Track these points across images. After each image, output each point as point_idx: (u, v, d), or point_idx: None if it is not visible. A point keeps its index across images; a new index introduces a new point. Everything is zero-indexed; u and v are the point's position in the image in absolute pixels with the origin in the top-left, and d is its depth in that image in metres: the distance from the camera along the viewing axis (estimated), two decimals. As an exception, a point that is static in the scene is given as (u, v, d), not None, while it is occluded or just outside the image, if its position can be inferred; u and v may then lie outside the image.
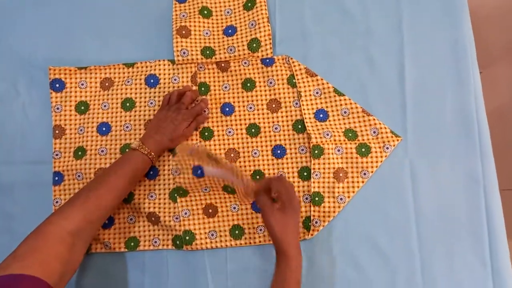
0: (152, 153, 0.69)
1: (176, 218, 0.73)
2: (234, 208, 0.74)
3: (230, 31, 0.80)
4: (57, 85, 0.79)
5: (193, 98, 0.76)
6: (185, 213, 0.73)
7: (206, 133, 0.77)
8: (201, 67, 0.78)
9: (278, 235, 0.62)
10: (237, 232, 0.73)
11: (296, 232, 0.64)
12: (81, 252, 0.60)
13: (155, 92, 0.78)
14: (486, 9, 1.53)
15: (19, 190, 0.77)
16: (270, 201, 0.64)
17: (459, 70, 0.78)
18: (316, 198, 0.73)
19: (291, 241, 0.62)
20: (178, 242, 0.73)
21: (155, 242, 0.74)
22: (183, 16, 0.81)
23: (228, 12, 0.82)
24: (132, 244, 0.74)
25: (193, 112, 0.74)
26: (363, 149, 0.74)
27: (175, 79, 0.78)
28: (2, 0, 0.84)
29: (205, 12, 0.81)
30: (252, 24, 0.79)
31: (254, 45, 0.78)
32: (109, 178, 0.65)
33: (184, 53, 0.77)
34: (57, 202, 0.75)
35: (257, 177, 0.75)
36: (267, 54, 0.78)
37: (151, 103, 0.78)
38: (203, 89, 0.79)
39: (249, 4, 0.80)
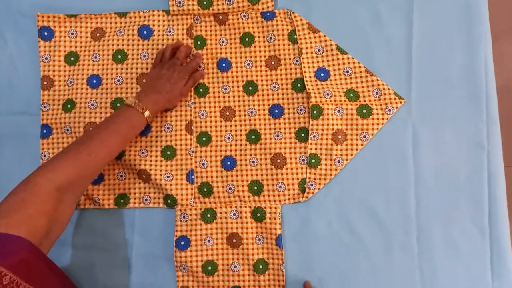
0: (148, 112, 0.66)
1: (168, 177, 0.71)
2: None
3: None
4: (46, 34, 0.75)
5: (188, 53, 0.72)
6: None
7: (201, 90, 0.74)
8: (197, 19, 0.74)
9: None
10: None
11: None
12: (70, 208, 0.57)
13: (148, 44, 0.75)
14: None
15: (5, 142, 0.74)
16: None
17: (470, 32, 0.74)
18: (313, 160, 0.70)
19: None
20: (169, 201, 0.71)
21: (146, 200, 0.72)
22: (180, -36, 0.76)
23: None
24: (122, 201, 0.72)
25: (189, 68, 0.70)
26: (364, 111, 0.71)
27: (169, 31, 0.74)
28: None
29: None
30: None
31: None
32: (102, 133, 0.62)
33: (180, 2, 0.73)
34: (45, 156, 0.73)
35: (253, 137, 0.72)
36: (267, 7, 0.74)
37: (144, 56, 0.74)
38: (199, 42, 0.75)
39: None
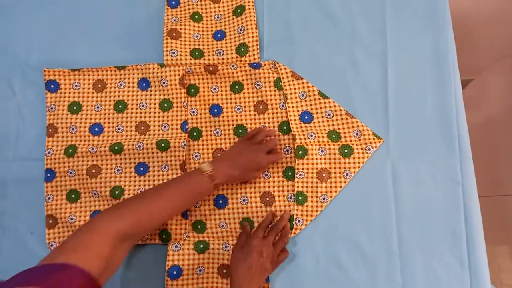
0: (218, 181, 0.68)
1: None
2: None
3: (219, 35, 0.83)
4: (52, 86, 0.81)
5: (274, 145, 0.77)
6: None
7: (195, 133, 0.80)
8: (189, 70, 0.81)
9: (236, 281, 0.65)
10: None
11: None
12: (125, 253, 0.59)
13: (146, 95, 0.81)
14: (479, 16, 1.56)
15: (11, 186, 0.79)
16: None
17: (441, 74, 0.80)
18: (300, 197, 0.75)
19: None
20: (164, 236, 0.75)
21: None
22: (174, 20, 0.84)
23: (218, 17, 0.85)
24: None
25: (267, 163, 0.74)
26: (346, 150, 0.77)
27: (164, 82, 0.81)
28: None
29: (196, 16, 0.84)
30: (240, 30, 0.82)
31: (242, 49, 0.81)
32: (171, 191, 0.64)
33: (173, 53, 0.80)
34: (49, 198, 0.78)
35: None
36: (254, 59, 0.81)
37: (143, 105, 0.81)
38: (192, 90, 0.82)
39: (239, 10, 0.83)
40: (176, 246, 0.75)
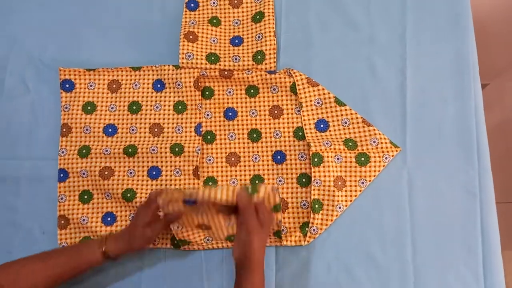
0: (105, 248, 0.65)
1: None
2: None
3: (236, 41, 0.82)
4: (67, 86, 0.81)
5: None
6: None
7: (209, 137, 0.79)
8: (203, 74, 0.80)
9: (256, 252, 0.59)
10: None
11: (263, 252, 0.63)
12: None
13: (161, 97, 0.81)
14: (495, 21, 1.53)
15: (24, 184, 0.79)
16: (256, 219, 0.60)
17: (461, 83, 0.79)
18: (316, 206, 0.74)
19: (261, 259, 0.61)
20: (176, 241, 0.75)
21: (154, 240, 0.75)
22: (192, 23, 0.83)
23: (236, 23, 0.84)
24: None
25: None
26: (363, 158, 0.75)
27: (178, 84, 0.80)
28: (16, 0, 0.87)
29: (214, 21, 0.83)
30: (259, 37, 0.81)
31: (259, 57, 0.79)
32: (50, 254, 0.64)
33: (189, 56, 0.79)
34: (62, 198, 0.78)
35: (256, 181, 0.77)
36: (270, 67, 0.80)
37: (157, 107, 0.80)
38: (207, 93, 0.81)
39: (258, 17, 0.82)
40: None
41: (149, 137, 0.79)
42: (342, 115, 0.78)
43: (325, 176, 0.74)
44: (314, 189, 0.74)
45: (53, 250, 0.66)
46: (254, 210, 0.60)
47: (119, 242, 0.65)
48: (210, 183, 0.77)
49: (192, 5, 0.84)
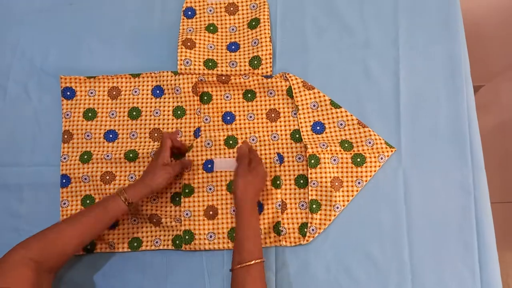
0: (127, 198, 0.68)
1: (177, 220, 0.76)
2: (234, 211, 0.77)
3: (233, 47, 0.84)
4: (68, 93, 0.83)
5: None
6: (187, 214, 0.76)
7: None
8: (201, 79, 0.81)
9: (240, 191, 0.70)
10: (234, 234, 0.76)
11: (254, 193, 0.72)
12: (47, 280, 0.61)
13: (160, 102, 0.82)
14: (490, 22, 1.55)
15: (27, 190, 0.81)
16: (247, 166, 0.73)
17: (453, 83, 0.81)
18: (314, 206, 0.75)
19: (248, 198, 0.70)
20: (177, 242, 0.76)
21: (157, 242, 0.77)
22: (190, 30, 0.85)
23: (233, 29, 0.86)
24: (135, 244, 0.77)
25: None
26: (358, 159, 0.77)
27: (177, 90, 0.82)
28: (19, 8, 0.89)
29: (211, 28, 0.85)
30: (255, 42, 0.83)
31: (256, 62, 0.81)
32: (76, 215, 0.67)
33: (187, 62, 0.81)
34: (64, 203, 0.79)
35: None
36: (267, 72, 0.82)
37: (157, 112, 0.82)
38: (205, 98, 0.82)
39: (254, 23, 0.84)
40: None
41: (150, 142, 0.81)
42: (337, 117, 0.79)
43: (321, 177, 0.76)
44: (311, 190, 0.76)
45: (79, 213, 0.68)
46: (248, 159, 0.73)
47: (137, 188, 0.70)
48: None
49: (189, 13, 0.86)
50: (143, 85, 0.83)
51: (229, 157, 0.79)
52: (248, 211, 0.69)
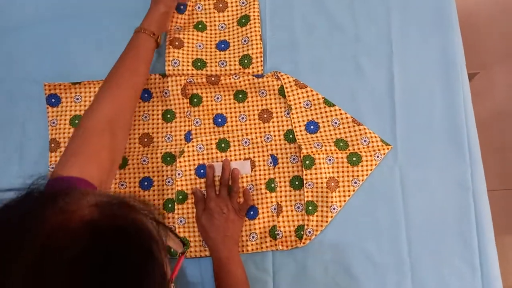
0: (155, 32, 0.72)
1: (171, 227, 0.75)
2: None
3: (223, 45, 0.81)
4: (53, 100, 0.80)
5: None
6: (181, 221, 0.75)
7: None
8: (190, 81, 0.79)
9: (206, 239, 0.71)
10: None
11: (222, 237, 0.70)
12: (123, 140, 0.67)
13: (148, 106, 0.80)
14: (485, 10, 1.54)
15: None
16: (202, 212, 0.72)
17: (448, 78, 0.79)
18: (310, 207, 0.74)
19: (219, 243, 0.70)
20: (172, 250, 0.74)
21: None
22: (178, 29, 0.82)
23: (222, 27, 0.83)
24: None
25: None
26: (354, 158, 0.75)
27: (166, 93, 0.79)
28: (6, 15, 0.85)
29: (200, 26, 0.82)
30: (245, 41, 0.80)
31: (246, 61, 0.79)
32: (126, 62, 0.69)
33: (175, 63, 0.79)
34: (54, 214, 0.77)
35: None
36: (257, 71, 0.79)
37: (145, 117, 0.80)
38: (195, 100, 0.80)
39: (243, 20, 0.81)
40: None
41: (139, 147, 0.78)
42: (331, 115, 0.78)
43: (317, 178, 0.74)
44: (307, 191, 0.74)
45: (120, 57, 0.69)
46: (202, 205, 0.72)
47: (148, 16, 0.73)
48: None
49: (182, 7, 0.83)
50: (130, 90, 0.81)
51: (221, 161, 0.76)
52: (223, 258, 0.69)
